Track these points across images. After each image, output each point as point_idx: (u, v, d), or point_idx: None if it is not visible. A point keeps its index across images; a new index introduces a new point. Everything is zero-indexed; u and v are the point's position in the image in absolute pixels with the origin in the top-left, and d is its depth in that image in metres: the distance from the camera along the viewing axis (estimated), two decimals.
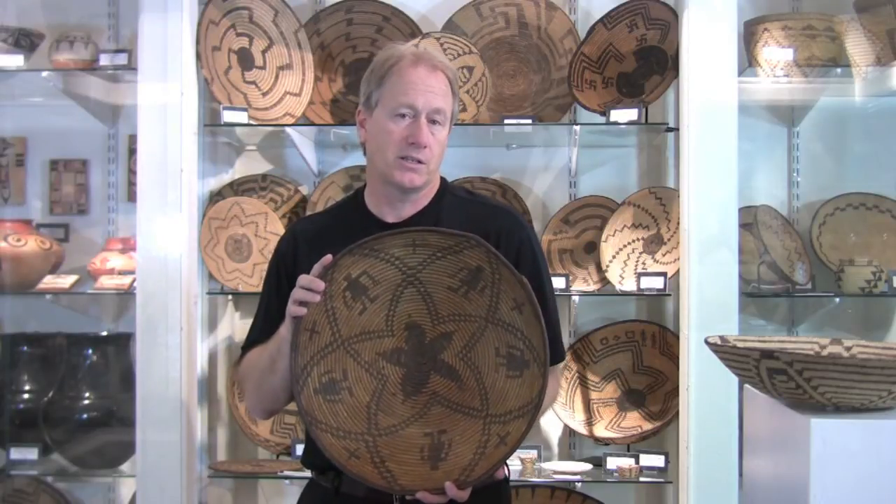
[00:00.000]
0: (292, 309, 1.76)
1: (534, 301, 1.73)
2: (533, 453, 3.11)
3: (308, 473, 2.02)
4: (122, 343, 3.23)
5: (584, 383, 3.29)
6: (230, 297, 3.39)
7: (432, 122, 1.89)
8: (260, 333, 1.95)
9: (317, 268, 1.76)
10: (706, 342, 1.65)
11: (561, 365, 2.10)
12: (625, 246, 3.26)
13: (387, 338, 1.82)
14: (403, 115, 1.88)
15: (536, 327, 1.73)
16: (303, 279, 1.76)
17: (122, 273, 3.21)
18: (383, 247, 1.77)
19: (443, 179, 2.02)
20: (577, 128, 3.15)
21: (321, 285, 1.75)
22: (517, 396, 1.75)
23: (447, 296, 1.81)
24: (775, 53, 3.11)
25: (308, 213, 3.25)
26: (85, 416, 3.16)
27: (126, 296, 3.21)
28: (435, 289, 1.81)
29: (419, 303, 1.81)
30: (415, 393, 1.82)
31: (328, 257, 1.76)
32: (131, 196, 3.38)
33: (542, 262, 2.00)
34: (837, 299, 3.23)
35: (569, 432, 3.33)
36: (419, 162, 1.88)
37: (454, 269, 1.79)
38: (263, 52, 3.25)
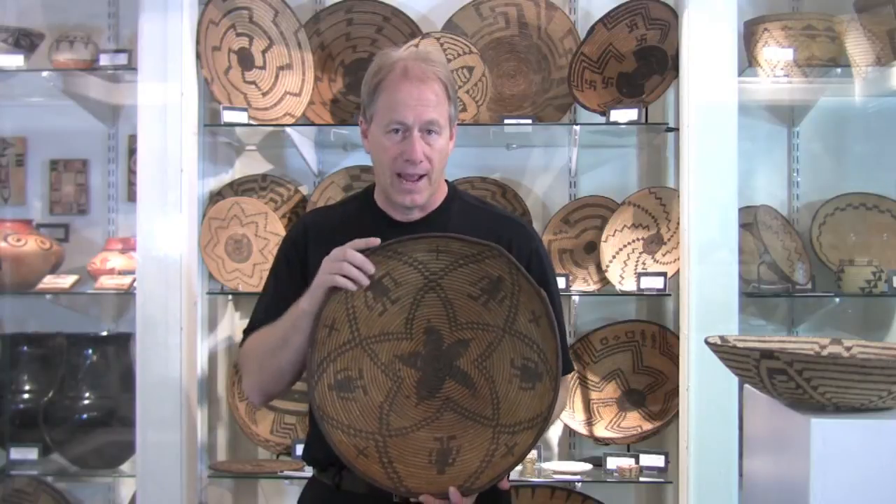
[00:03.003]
0: (338, 279, 1.74)
1: (551, 315, 1.74)
2: (533, 453, 3.11)
3: (308, 473, 2.02)
4: (122, 343, 3.22)
5: (584, 383, 3.29)
6: (230, 297, 3.39)
7: (427, 132, 1.87)
8: (267, 317, 1.93)
9: (360, 243, 1.76)
10: (706, 342, 1.65)
11: (569, 376, 2.10)
12: (625, 246, 3.26)
13: (405, 340, 1.83)
14: (396, 131, 1.87)
15: (552, 341, 1.74)
16: (355, 257, 1.74)
17: (122, 273, 3.21)
18: (406, 250, 1.78)
19: (451, 184, 2.02)
20: (577, 128, 3.15)
21: (371, 269, 1.75)
22: (528, 408, 1.76)
23: (467, 303, 1.81)
24: (775, 53, 3.11)
25: None
26: (85, 416, 3.16)
27: (126, 296, 3.21)
28: (455, 295, 1.81)
29: (439, 308, 1.82)
30: (429, 397, 1.82)
31: (375, 240, 1.75)
32: (131, 196, 3.38)
33: (552, 275, 2.01)
34: (837, 299, 3.23)
35: (569, 432, 3.33)
36: (419, 178, 1.87)
37: (475, 278, 1.79)
38: (263, 52, 3.25)
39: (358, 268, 1.75)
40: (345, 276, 1.74)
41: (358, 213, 1.99)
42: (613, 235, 3.25)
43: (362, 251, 1.76)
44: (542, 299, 1.74)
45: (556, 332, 1.73)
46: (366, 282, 1.75)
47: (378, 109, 1.88)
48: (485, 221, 1.97)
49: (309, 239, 1.96)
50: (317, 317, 1.76)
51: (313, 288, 1.79)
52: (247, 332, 1.99)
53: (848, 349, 1.75)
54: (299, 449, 3.08)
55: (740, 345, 1.60)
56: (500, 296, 1.79)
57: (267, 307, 1.96)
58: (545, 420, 1.73)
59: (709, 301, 2.91)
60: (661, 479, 3.13)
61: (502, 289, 1.78)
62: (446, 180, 2.02)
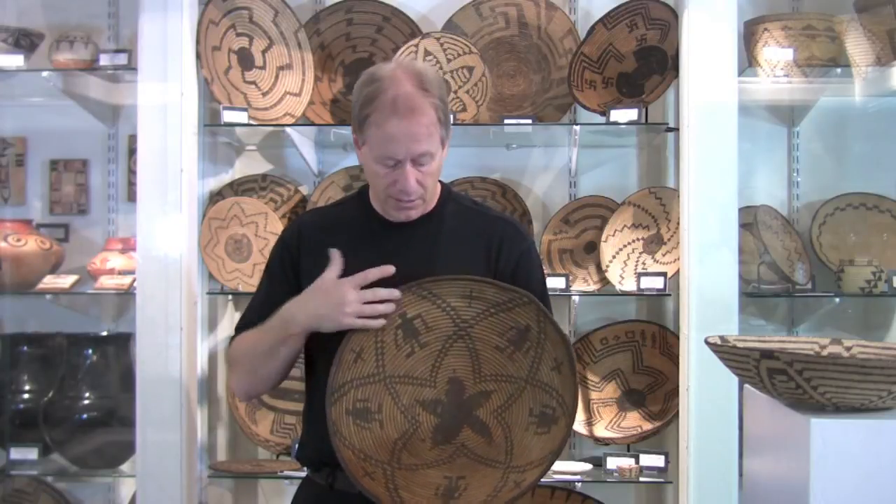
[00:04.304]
0: (356, 322, 1.79)
1: (573, 359, 1.78)
2: None
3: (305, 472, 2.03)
4: (122, 343, 3.22)
5: (584, 383, 3.29)
6: (230, 297, 3.39)
7: (420, 164, 1.85)
8: (257, 317, 1.94)
9: (374, 273, 1.80)
10: (706, 342, 1.65)
11: None
12: (625, 246, 3.26)
13: (428, 388, 1.84)
14: (388, 162, 1.85)
15: (571, 384, 1.77)
16: (378, 294, 1.79)
17: (122, 273, 3.21)
18: (441, 292, 1.81)
19: (446, 186, 2.03)
20: (577, 128, 3.15)
21: (398, 294, 1.79)
22: (541, 449, 1.78)
23: (493, 355, 1.84)
24: (775, 53, 3.11)
25: None
26: (85, 416, 3.16)
27: (126, 296, 3.21)
28: (483, 346, 1.83)
29: (466, 359, 1.84)
30: (444, 443, 1.83)
31: (389, 268, 1.81)
32: (131, 196, 3.38)
33: (541, 277, 2.02)
34: (837, 299, 3.23)
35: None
36: (411, 201, 1.88)
37: (504, 328, 1.82)
38: (263, 52, 3.25)
39: (382, 300, 1.80)
40: (367, 316, 1.79)
41: (353, 215, 2.00)
42: (613, 235, 3.25)
43: (400, 288, 1.80)
44: (567, 345, 1.78)
45: (576, 374, 1.77)
46: (377, 324, 1.79)
47: (369, 139, 1.86)
48: (478, 222, 1.98)
49: (302, 242, 1.97)
50: (346, 340, 1.79)
51: (315, 320, 1.82)
52: (238, 329, 2.01)
53: (848, 349, 1.75)
54: None
55: (740, 345, 1.61)
56: (526, 346, 1.81)
57: (259, 307, 1.98)
58: (556, 454, 1.76)
59: (709, 301, 2.91)
60: (661, 479, 3.13)
61: (528, 339, 1.81)
62: (441, 181, 2.02)
